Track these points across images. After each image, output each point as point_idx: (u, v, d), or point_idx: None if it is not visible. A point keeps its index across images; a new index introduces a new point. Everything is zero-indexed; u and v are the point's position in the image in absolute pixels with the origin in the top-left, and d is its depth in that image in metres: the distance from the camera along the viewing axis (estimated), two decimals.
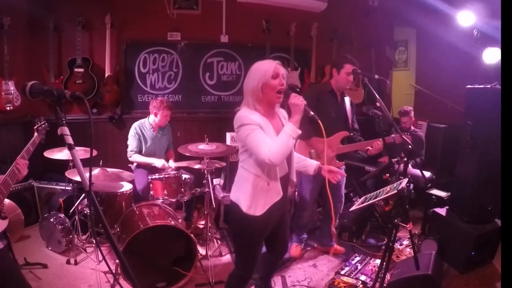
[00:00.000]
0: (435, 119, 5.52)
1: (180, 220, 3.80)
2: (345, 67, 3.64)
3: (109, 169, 3.91)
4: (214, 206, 4.35)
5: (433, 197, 4.14)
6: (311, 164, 2.71)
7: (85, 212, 3.96)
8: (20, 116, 4.82)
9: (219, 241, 4.26)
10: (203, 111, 5.81)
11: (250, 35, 5.74)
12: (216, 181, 4.91)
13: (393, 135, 3.60)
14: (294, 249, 4.09)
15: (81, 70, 5.00)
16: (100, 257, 3.70)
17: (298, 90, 5.77)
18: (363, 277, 3.54)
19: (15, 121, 4.82)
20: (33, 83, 1.64)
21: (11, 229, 3.40)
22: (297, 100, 2.32)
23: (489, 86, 3.53)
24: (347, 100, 3.89)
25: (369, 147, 3.64)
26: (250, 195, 2.36)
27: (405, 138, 3.16)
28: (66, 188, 4.56)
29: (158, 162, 4.42)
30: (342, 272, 3.62)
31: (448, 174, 4.54)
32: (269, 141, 2.25)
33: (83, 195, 3.78)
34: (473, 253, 3.60)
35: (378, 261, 3.65)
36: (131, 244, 3.20)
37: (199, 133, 5.40)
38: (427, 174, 4.45)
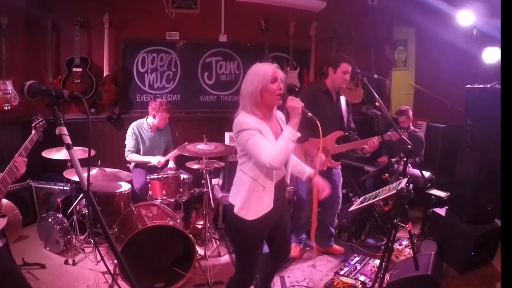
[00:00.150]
0: (435, 119, 5.51)
1: (178, 220, 3.79)
2: (341, 66, 3.64)
3: (107, 169, 3.90)
4: (213, 206, 4.34)
5: (433, 197, 4.13)
6: (305, 171, 2.71)
7: (83, 212, 3.95)
8: (18, 116, 4.80)
9: (217, 241, 4.25)
10: (201, 111, 5.79)
11: (249, 35, 5.72)
12: (214, 181, 4.90)
13: (389, 133, 3.60)
14: (293, 249, 4.07)
15: (79, 69, 4.98)
16: (99, 258, 3.70)
17: (297, 90, 5.76)
18: (362, 278, 3.53)
19: (13, 120, 4.80)
20: (31, 82, 1.63)
21: (9, 229, 3.38)
22: (294, 103, 2.31)
23: (488, 85, 3.53)
24: (342, 99, 3.88)
25: (365, 146, 3.64)
26: (244, 198, 2.37)
27: (403, 136, 3.15)
28: (64, 188, 4.53)
29: (154, 160, 4.41)
30: (341, 273, 3.62)
31: (448, 174, 4.53)
32: (268, 145, 2.25)
33: (81, 195, 3.78)
34: (472, 253, 3.60)
35: (377, 262, 3.64)
36: (129, 244, 3.18)
37: (197, 133, 5.38)
38: (427, 174, 4.43)
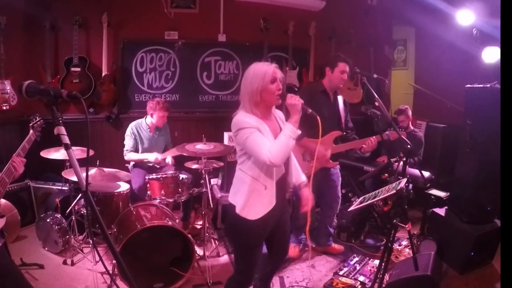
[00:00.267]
0: (434, 118, 5.51)
1: (177, 221, 3.78)
2: (338, 65, 3.65)
3: (106, 169, 3.89)
4: (212, 206, 4.33)
5: (432, 197, 4.12)
6: (299, 178, 2.67)
7: (82, 212, 3.94)
8: (17, 116, 4.78)
9: (216, 241, 4.24)
10: (200, 111, 5.78)
11: (248, 34, 5.71)
12: (213, 181, 4.89)
13: (387, 132, 3.59)
14: (292, 249, 4.06)
15: (78, 69, 4.97)
16: (97, 258, 3.68)
17: (296, 89, 5.76)
18: (361, 278, 3.53)
19: (11, 120, 4.79)
20: (29, 82, 1.62)
21: (7, 229, 3.38)
22: (294, 100, 2.31)
23: (488, 85, 3.53)
24: (340, 99, 3.88)
25: (363, 145, 3.64)
26: (245, 197, 2.36)
27: (402, 135, 3.15)
28: (63, 188, 4.53)
29: (151, 157, 4.40)
30: (341, 273, 3.61)
31: (448, 174, 4.52)
32: (268, 143, 2.25)
33: (80, 195, 3.77)
34: (472, 253, 3.59)
35: (377, 262, 3.63)
36: (128, 244, 3.17)
37: (196, 132, 5.37)
38: (426, 174, 4.43)
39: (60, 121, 1.59)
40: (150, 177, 3.94)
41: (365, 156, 4.94)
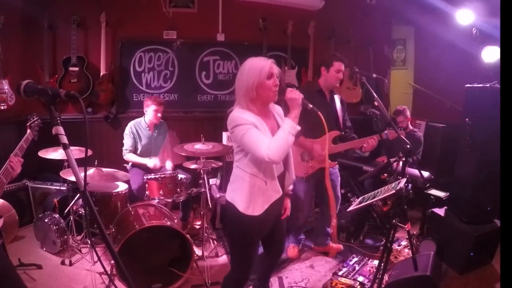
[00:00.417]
0: (434, 118, 5.51)
1: (176, 221, 3.77)
2: (334, 64, 3.64)
3: (104, 169, 3.88)
4: (211, 206, 4.32)
5: (432, 197, 4.12)
6: (287, 185, 2.63)
7: (80, 212, 3.92)
8: (15, 116, 4.76)
9: (215, 241, 4.24)
10: (199, 111, 5.77)
11: (246, 34, 5.71)
12: (212, 181, 4.88)
13: (386, 131, 3.59)
14: (291, 249, 4.06)
15: (76, 69, 4.95)
16: (95, 258, 3.67)
17: (294, 88, 5.74)
18: (361, 278, 3.51)
19: (9, 120, 4.77)
20: (27, 82, 1.62)
21: (5, 230, 3.37)
22: (294, 94, 2.27)
23: (488, 85, 3.52)
24: (337, 98, 3.87)
25: (363, 145, 3.63)
26: (247, 195, 2.32)
27: (401, 135, 3.14)
28: (61, 188, 4.51)
29: (150, 162, 4.39)
30: (340, 273, 3.59)
31: (447, 174, 4.52)
32: (266, 139, 2.21)
33: (78, 195, 3.75)
34: (472, 253, 3.59)
35: (376, 262, 3.62)
36: (126, 244, 3.16)
37: (195, 132, 5.36)
38: (426, 174, 4.43)
39: (58, 121, 1.58)
40: (149, 177, 3.93)
41: (364, 156, 4.94)
